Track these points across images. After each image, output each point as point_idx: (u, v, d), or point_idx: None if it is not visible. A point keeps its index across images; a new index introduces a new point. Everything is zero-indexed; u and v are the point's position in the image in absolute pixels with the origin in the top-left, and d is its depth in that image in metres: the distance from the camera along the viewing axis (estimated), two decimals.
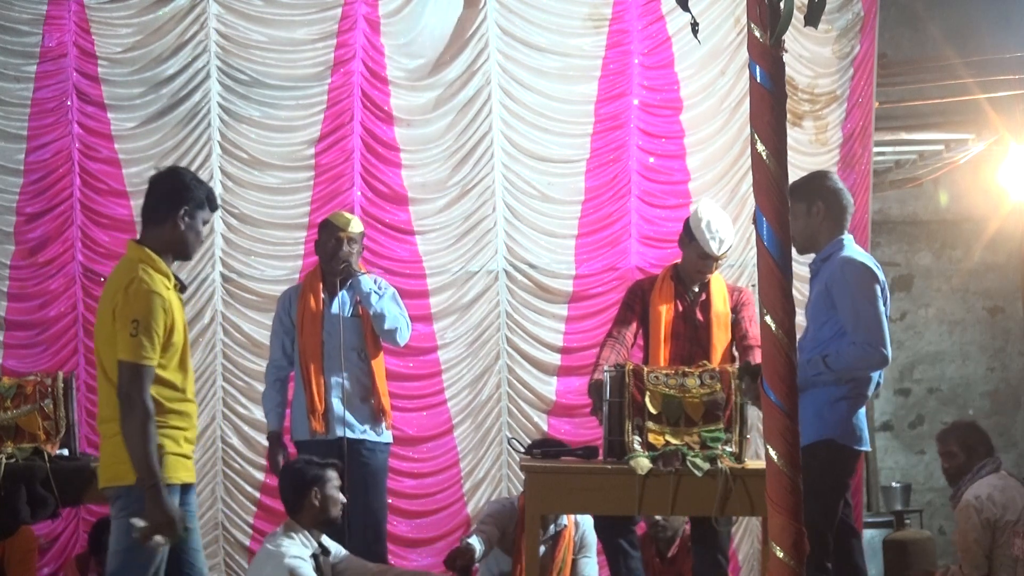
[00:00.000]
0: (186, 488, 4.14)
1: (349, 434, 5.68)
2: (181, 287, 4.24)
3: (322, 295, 5.79)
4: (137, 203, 6.97)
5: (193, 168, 7.00)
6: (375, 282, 5.83)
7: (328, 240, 5.78)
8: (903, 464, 9.60)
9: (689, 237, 5.40)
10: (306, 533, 5.15)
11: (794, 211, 4.57)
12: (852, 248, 4.56)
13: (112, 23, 7.07)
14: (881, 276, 4.52)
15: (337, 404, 5.69)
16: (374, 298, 5.71)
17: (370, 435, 5.76)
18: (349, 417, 5.68)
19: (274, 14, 7.15)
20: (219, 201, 6.87)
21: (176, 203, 4.16)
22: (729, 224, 5.47)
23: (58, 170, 7.01)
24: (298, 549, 5.05)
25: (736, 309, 5.46)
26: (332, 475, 5.27)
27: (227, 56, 7.09)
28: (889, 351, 4.47)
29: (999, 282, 9.70)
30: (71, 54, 7.01)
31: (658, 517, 5.94)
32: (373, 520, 5.72)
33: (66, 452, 5.27)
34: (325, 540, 5.24)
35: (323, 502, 5.19)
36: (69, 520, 6.77)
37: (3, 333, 6.93)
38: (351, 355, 5.74)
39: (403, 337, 5.85)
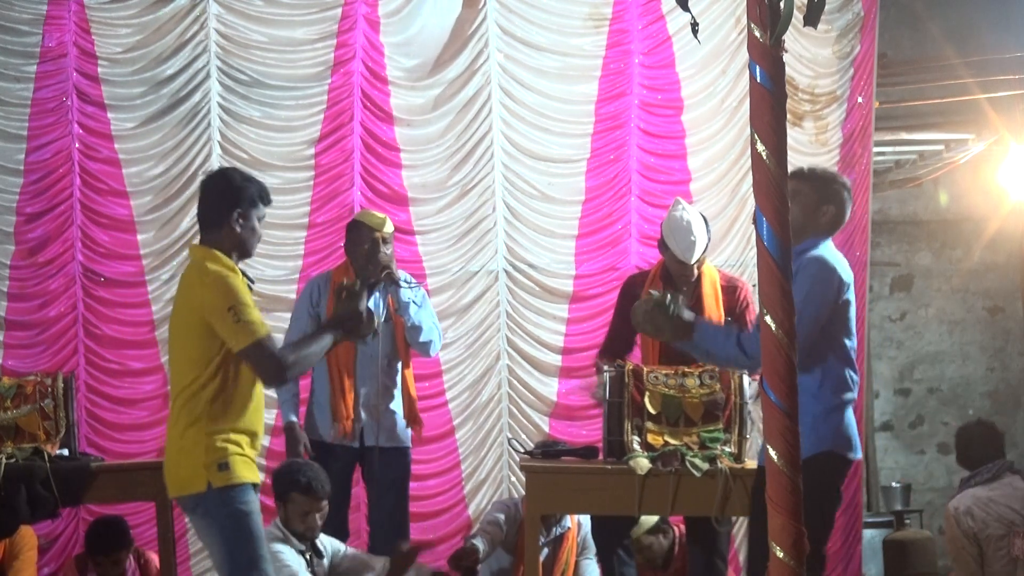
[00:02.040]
0: (255, 487, 4.06)
1: (375, 442, 5.55)
2: (249, 284, 4.14)
3: None
4: (137, 203, 7.04)
5: (193, 168, 7.02)
6: (410, 286, 5.63)
7: (363, 241, 5.58)
8: (903, 464, 9.59)
9: (664, 245, 5.34)
10: (290, 537, 5.14)
11: (802, 197, 4.44)
12: (827, 247, 4.38)
13: (112, 23, 7.07)
14: (846, 278, 4.32)
15: (366, 413, 5.57)
16: (412, 308, 5.55)
17: (395, 443, 5.65)
18: (376, 425, 5.56)
19: (274, 14, 7.15)
20: None
21: (230, 205, 4.08)
22: (701, 226, 5.29)
23: (58, 170, 7.01)
24: (280, 544, 5.05)
25: (733, 312, 5.36)
26: (300, 500, 5.12)
27: (227, 56, 7.09)
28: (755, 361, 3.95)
29: (999, 282, 9.70)
30: (71, 54, 7.01)
31: (649, 541, 5.88)
32: (398, 526, 5.66)
33: (66, 452, 5.26)
34: (319, 543, 5.23)
35: (284, 516, 5.16)
36: (69, 520, 6.76)
37: (3, 333, 6.93)
38: (383, 362, 5.59)
39: (435, 349, 5.74)
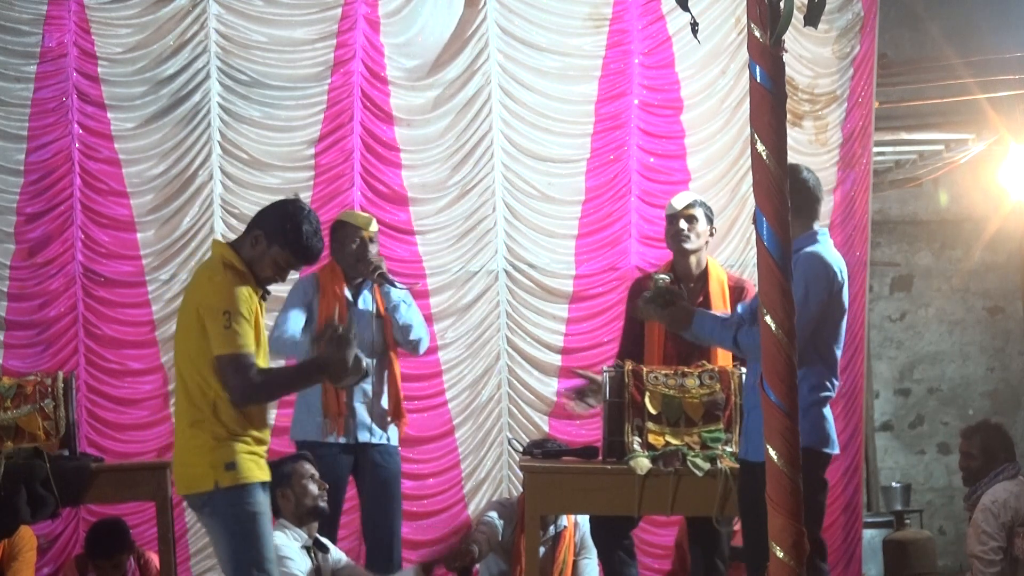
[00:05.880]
0: (263, 486, 4.04)
1: (369, 439, 5.57)
2: (263, 293, 4.10)
3: (347, 296, 5.62)
4: (137, 203, 7.04)
5: (193, 168, 7.02)
6: (399, 287, 5.66)
7: (350, 242, 5.60)
8: (903, 464, 9.59)
9: (666, 222, 5.45)
10: (295, 529, 5.14)
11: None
12: (824, 244, 4.37)
13: (112, 23, 7.06)
14: (840, 277, 4.33)
15: (361, 409, 5.58)
16: (403, 307, 5.59)
17: (386, 440, 5.66)
18: (370, 422, 5.57)
19: (274, 14, 7.15)
20: (219, 201, 6.97)
21: (257, 222, 4.09)
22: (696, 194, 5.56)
23: (58, 170, 7.01)
24: (284, 540, 5.05)
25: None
26: (298, 468, 5.17)
27: (227, 56, 7.09)
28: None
29: (999, 282, 9.70)
30: (71, 54, 7.01)
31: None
32: (391, 527, 5.65)
33: (66, 452, 5.26)
34: (323, 539, 5.24)
35: (294, 498, 5.15)
36: (69, 520, 6.76)
37: (3, 333, 6.92)
38: (374, 360, 5.55)
39: (424, 347, 5.79)
